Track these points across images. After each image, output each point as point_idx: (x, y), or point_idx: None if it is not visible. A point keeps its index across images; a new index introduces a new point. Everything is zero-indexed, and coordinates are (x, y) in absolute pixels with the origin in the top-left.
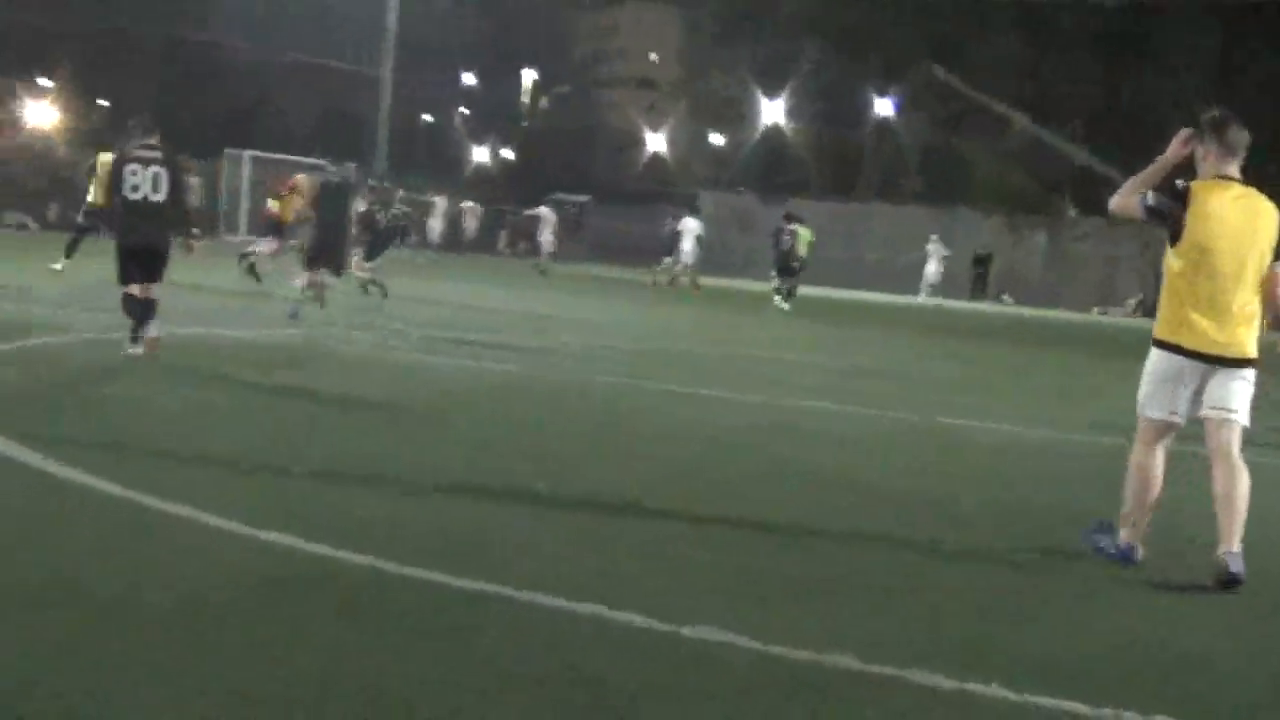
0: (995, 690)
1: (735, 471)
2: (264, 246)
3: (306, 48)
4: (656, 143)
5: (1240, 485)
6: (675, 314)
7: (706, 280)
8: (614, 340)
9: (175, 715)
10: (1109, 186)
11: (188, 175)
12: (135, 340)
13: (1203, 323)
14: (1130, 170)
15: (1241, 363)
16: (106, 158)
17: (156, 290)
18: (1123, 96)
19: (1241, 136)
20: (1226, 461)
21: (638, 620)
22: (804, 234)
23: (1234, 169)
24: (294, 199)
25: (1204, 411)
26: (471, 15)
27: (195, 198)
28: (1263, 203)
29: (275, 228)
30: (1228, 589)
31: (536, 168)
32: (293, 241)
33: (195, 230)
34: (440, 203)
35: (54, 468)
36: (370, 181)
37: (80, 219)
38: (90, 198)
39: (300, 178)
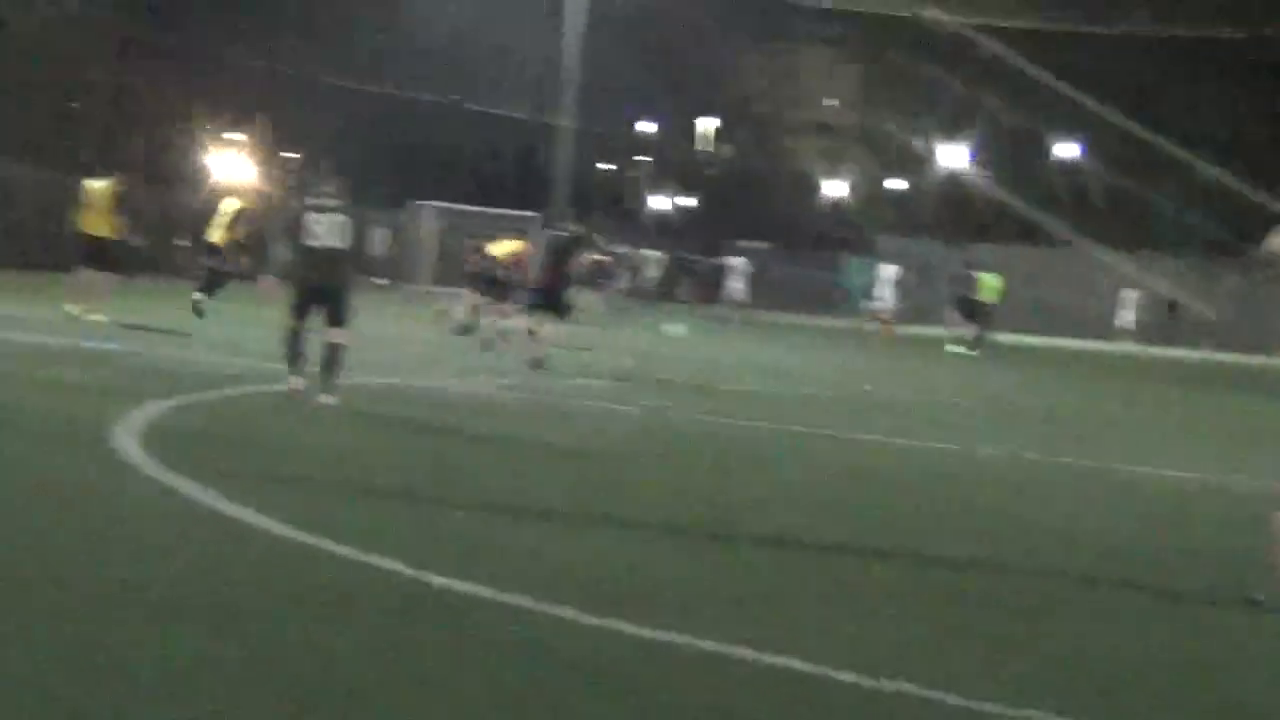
0: None
1: (928, 522)
2: (468, 299)
3: (488, 98)
4: (836, 188)
5: None
6: (860, 360)
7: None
8: (804, 387)
9: None
10: None
11: (376, 226)
12: (328, 381)
13: None
14: None
15: None
16: (232, 202)
17: (343, 336)
18: None
19: None
20: None
21: (839, 674)
22: (990, 280)
23: None
24: (513, 248)
25: None
26: (651, 63)
27: (383, 247)
28: None
29: (482, 279)
30: None
31: (715, 215)
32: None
33: (382, 280)
34: (648, 255)
35: (245, 514)
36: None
37: (209, 260)
38: (217, 238)
39: (518, 243)
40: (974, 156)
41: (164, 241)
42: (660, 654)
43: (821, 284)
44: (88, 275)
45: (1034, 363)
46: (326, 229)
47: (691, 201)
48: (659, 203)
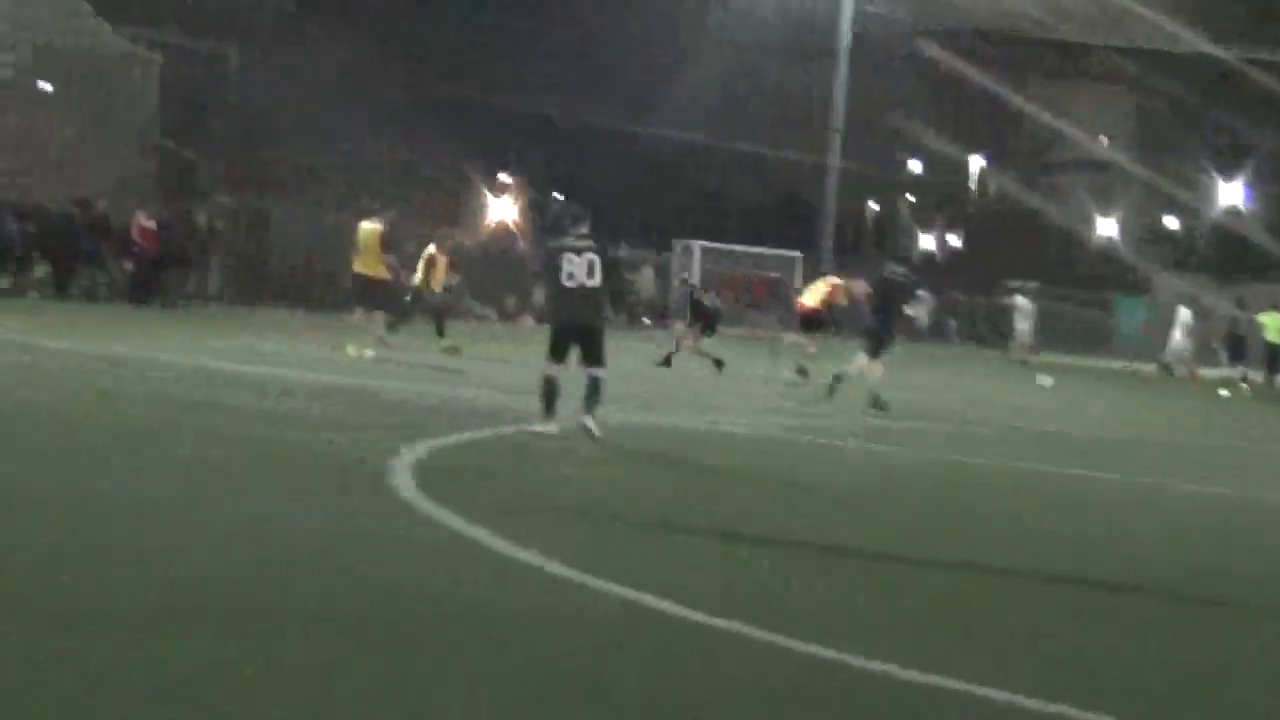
0: None
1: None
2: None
3: (756, 138)
4: (1107, 226)
5: None
6: (1149, 403)
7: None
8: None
9: None
10: None
11: (645, 266)
12: (586, 414)
13: None
14: None
15: None
16: (369, 227)
17: (601, 371)
18: None
19: None
20: None
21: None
22: (1275, 320)
23: None
24: (838, 292)
25: None
26: (919, 102)
27: (650, 287)
28: None
29: (809, 320)
30: None
31: (982, 253)
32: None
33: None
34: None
35: (515, 550)
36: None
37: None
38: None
39: (845, 282)
40: (1250, 193)
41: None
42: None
43: (1092, 324)
44: (360, 314)
45: None
46: (580, 268)
47: (958, 240)
48: (926, 242)
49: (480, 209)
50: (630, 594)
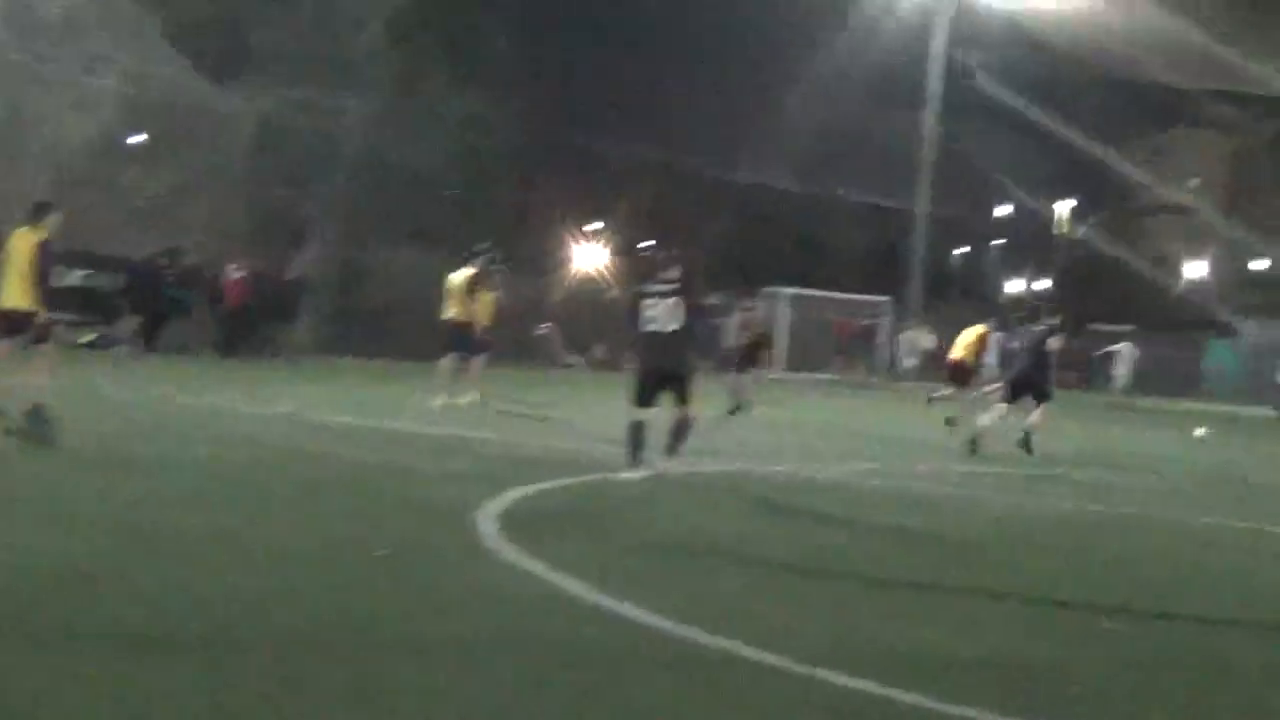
0: None
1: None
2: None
3: (852, 185)
4: (1196, 269)
5: None
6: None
7: (1252, 410)
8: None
9: None
10: None
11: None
12: (672, 452)
13: None
14: None
15: None
16: (457, 278)
17: (691, 410)
18: None
19: None
20: None
21: None
22: None
23: None
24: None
25: None
26: (1007, 146)
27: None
28: None
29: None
30: None
31: (1072, 297)
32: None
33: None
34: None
35: (603, 599)
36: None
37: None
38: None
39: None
40: None
41: (527, 329)
42: None
43: (1183, 367)
44: (450, 362)
45: None
46: (662, 312)
47: (1047, 284)
48: (1014, 286)
49: (570, 256)
50: (725, 643)
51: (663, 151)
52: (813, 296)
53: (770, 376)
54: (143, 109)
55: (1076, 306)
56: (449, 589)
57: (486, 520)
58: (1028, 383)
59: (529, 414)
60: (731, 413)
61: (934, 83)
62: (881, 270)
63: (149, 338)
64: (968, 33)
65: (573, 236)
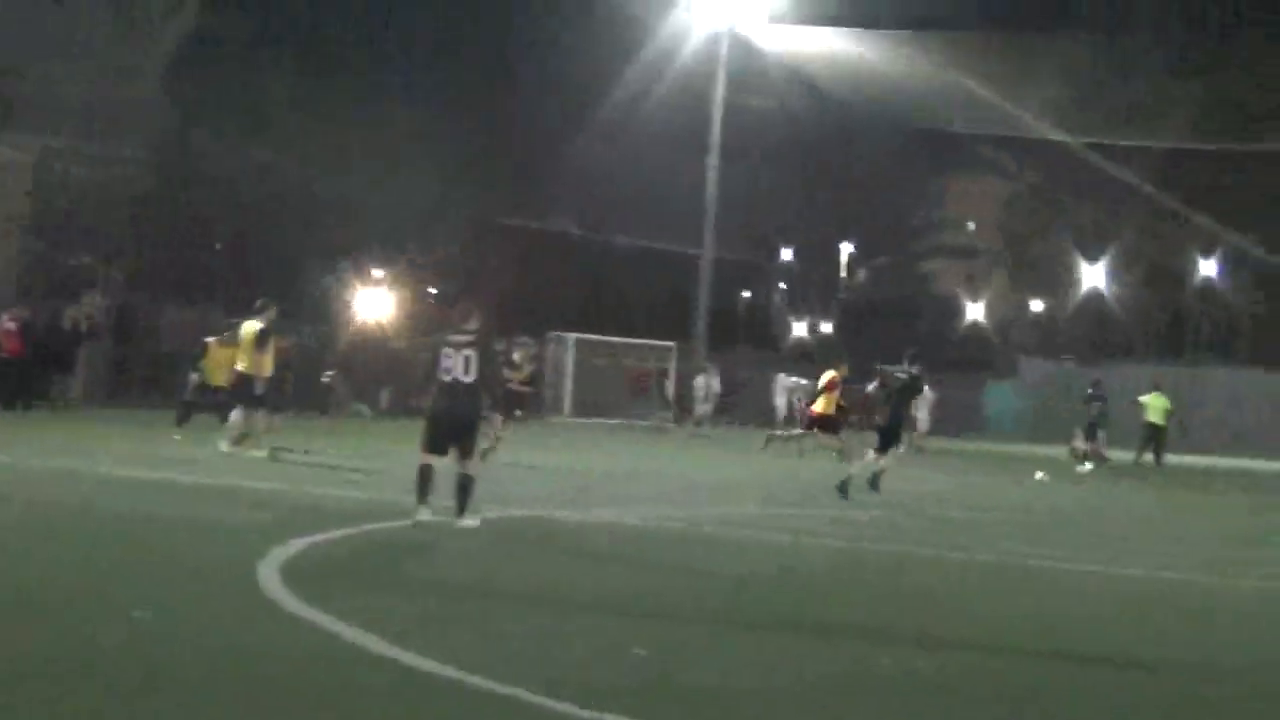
0: None
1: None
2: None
3: (639, 230)
4: (976, 311)
5: None
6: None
7: (1033, 449)
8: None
9: None
10: None
11: (526, 364)
12: (463, 511)
13: None
14: None
15: None
16: (245, 330)
17: (471, 466)
18: None
19: None
20: None
21: None
22: (1156, 402)
23: None
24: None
25: None
26: (791, 192)
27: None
28: None
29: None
30: None
31: (854, 340)
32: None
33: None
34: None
35: (381, 646)
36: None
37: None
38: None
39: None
40: (1110, 277)
41: (311, 378)
42: None
43: (965, 408)
44: (238, 414)
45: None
46: (459, 363)
47: (829, 327)
48: (799, 329)
49: (353, 304)
50: (509, 690)
51: (447, 198)
52: (598, 341)
53: (557, 421)
54: None
55: (860, 348)
56: (227, 642)
57: (269, 571)
58: (884, 430)
59: (314, 462)
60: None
61: (716, 129)
62: (667, 315)
63: None
64: (751, 81)
65: (357, 284)
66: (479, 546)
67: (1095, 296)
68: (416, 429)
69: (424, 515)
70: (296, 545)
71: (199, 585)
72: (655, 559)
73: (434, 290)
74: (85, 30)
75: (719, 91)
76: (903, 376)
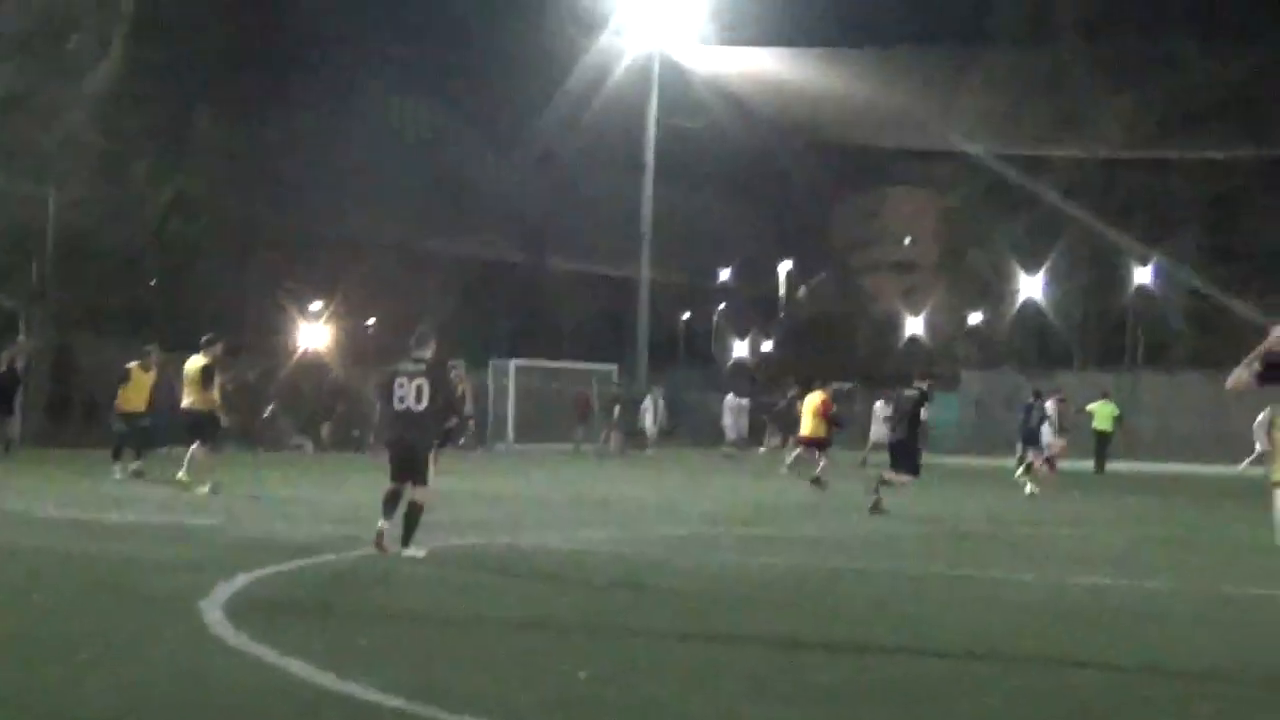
0: None
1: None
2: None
3: (577, 253)
4: (915, 325)
5: None
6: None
7: (980, 461)
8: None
9: None
10: None
11: (459, 386)
12: (408, 541)
13: None
14: None
15: None
16: (190, 366)
17: (420, 494)
18: None
19: None
20: None
21: None
22: (1104, 410)
23: None
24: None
25: None
26: (730, 210)
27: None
28: None
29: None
30: None
31: (795, 358)
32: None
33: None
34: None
35: (327, 680)
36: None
37: (118, 424)
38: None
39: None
40: (1048, 287)
41: (253, 412)
42: None
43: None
44: (198, 450)
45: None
46: (411, 392)
47: (770, 346)
48: (740, 349)
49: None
50: (446, 717)
51: (382, 227)
52: (539, 367)
53: (500, 447)
54: None
55: (802, 366)
56: (171, 679)
57: (213, 607)
58: (897, 448)
59: (257, 497)
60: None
61: (650, 149)
62: (607, 338)
63: None
64: (686, 100)
65: (295, 316)
66: (424, 576)
67: (1034, 307)
68: (358, 462)
69: (383, 525)
70: (241, 580)
71: (143, 622)
72: (599, 582)
73: (371, 321)
74: (10, 74)
75: (651, 113)
76: (913, 394)
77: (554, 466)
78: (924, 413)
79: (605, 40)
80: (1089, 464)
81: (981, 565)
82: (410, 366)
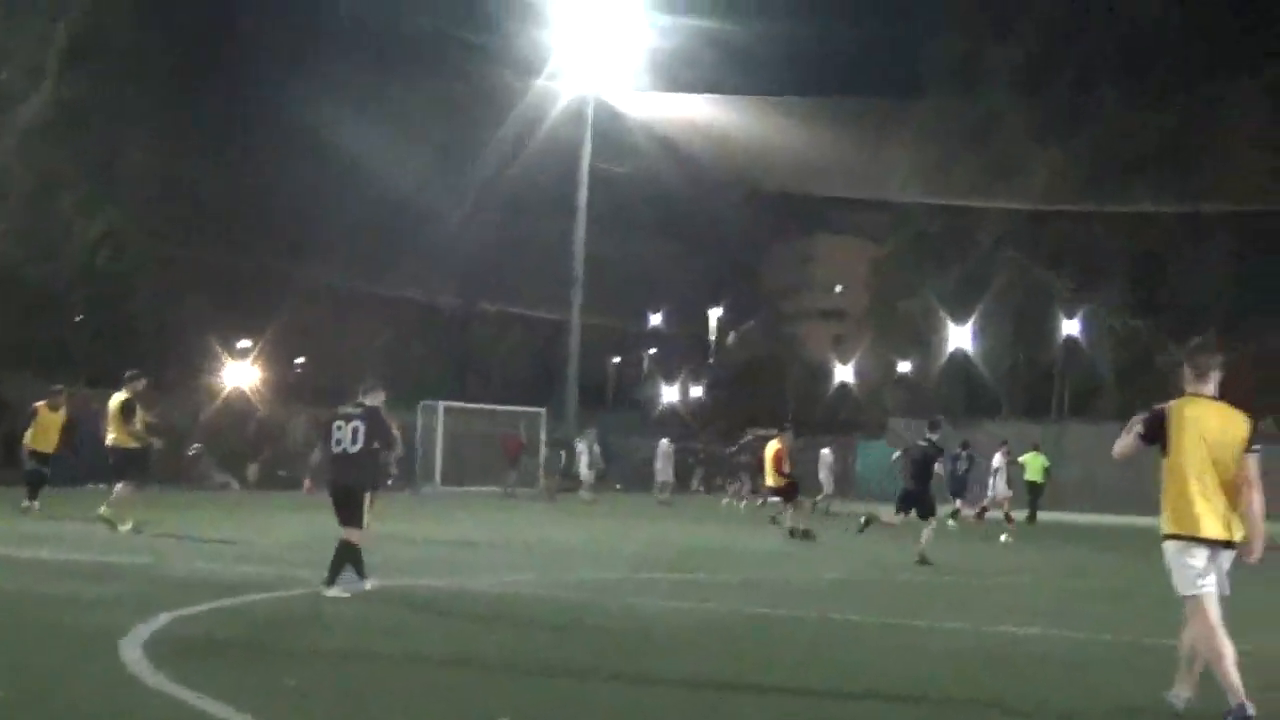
0: None
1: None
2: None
3: (507, 297)
4: (845, 373)
5: None
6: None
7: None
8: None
9: None
10: None
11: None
12: (332, 583)
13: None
14: None
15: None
16: (112, 403)
17: (356, 535)
18: None
19: (1209, 361)
20: None
21: None
22: (1035, 461)
23: (1207, 388)
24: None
25: None
26: (661, 257)
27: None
28: (1231, 412)
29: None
30: None
31: (725, 403)
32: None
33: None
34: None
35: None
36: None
37: (30, 463)
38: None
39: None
40: (977, 336)
41: (176, 450)
42: None
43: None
44: (124, 488)
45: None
46: (345, 434)
47: (700, 391)
48: (670, 394)
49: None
50: None
51: (313, 267)
52: (468, 409)
53: (427, 490)
54: None
55: (732, 411)
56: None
57: (133, 647)
58: (913, 498)
59: (180, 535)
60: None
61: (583, 193)
62: (536, 381)
63: None
64: (620, 145)
65: (222, 355)
66: (351, 616)
67: (962, 356)
68: (285, 502)
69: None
70: (163, 619)
71: (60, 661)
72: (524, 622)
73: (300, 361)
74: None
75: (585, 157)
76: (924, 445)
77: (481, 509)
78: (938, 466)
79: (540, 85)
80: (1022, 514)
81: (912, 613)
82: (349, 410)
